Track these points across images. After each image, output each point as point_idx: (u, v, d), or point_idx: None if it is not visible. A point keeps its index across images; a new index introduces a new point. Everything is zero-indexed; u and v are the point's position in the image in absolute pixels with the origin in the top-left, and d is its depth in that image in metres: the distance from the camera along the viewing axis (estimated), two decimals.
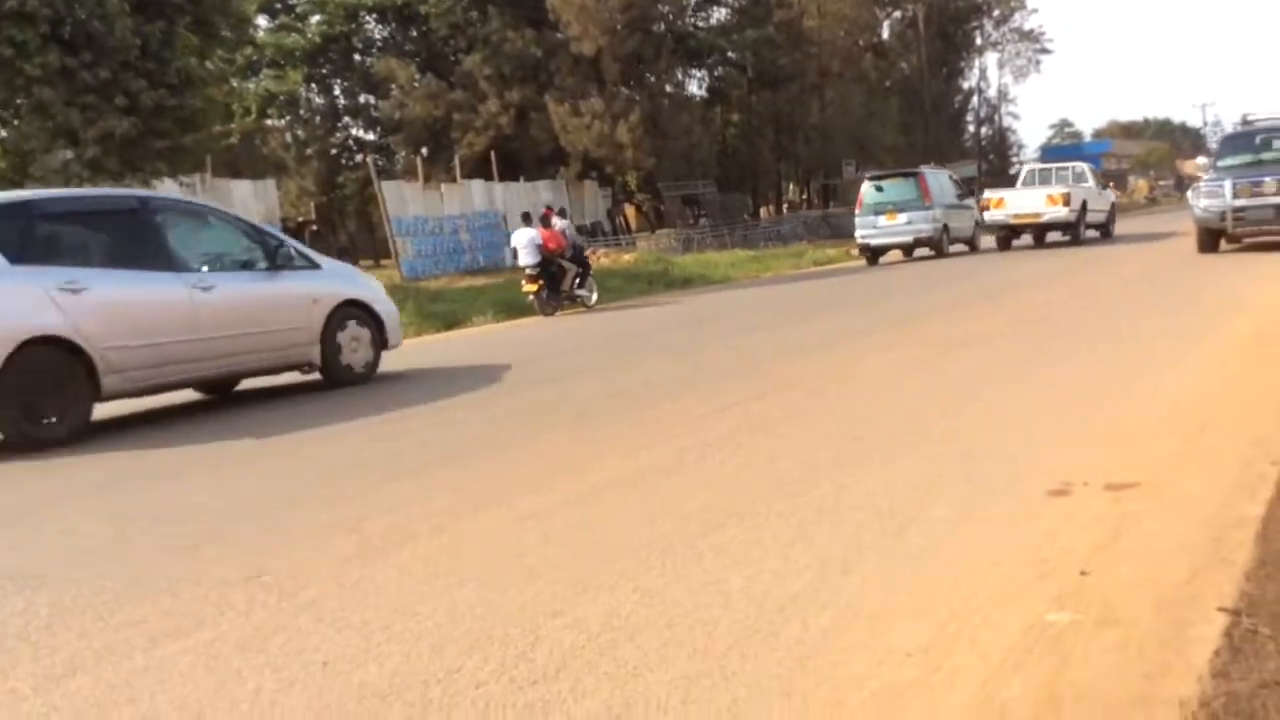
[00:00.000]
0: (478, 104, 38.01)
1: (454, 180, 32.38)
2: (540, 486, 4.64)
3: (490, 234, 32.52)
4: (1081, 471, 4.00)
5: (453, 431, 6.49)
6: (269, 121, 43.88)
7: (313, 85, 44.17)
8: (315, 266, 9.15)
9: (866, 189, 23.26)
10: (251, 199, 25.95)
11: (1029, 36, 60.42)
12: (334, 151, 44.92)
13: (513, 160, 36.23)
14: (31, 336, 6.94)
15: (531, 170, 37.06)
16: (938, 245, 22.69)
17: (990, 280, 15.18)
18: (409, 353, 11.09)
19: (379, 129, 44.20)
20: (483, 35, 38.40)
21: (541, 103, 37.20)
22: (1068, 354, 7.24)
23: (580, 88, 37.28)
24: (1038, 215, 22.27)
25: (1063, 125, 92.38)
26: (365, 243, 43.62)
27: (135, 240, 7.97)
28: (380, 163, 41.74)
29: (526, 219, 17.75)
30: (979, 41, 58.84)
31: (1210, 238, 14.79)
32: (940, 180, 23.92)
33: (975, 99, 60.45)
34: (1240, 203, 14.10)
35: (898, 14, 53.82)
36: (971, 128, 60.89)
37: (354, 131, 46.36)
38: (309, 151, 43.70)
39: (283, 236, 9.43)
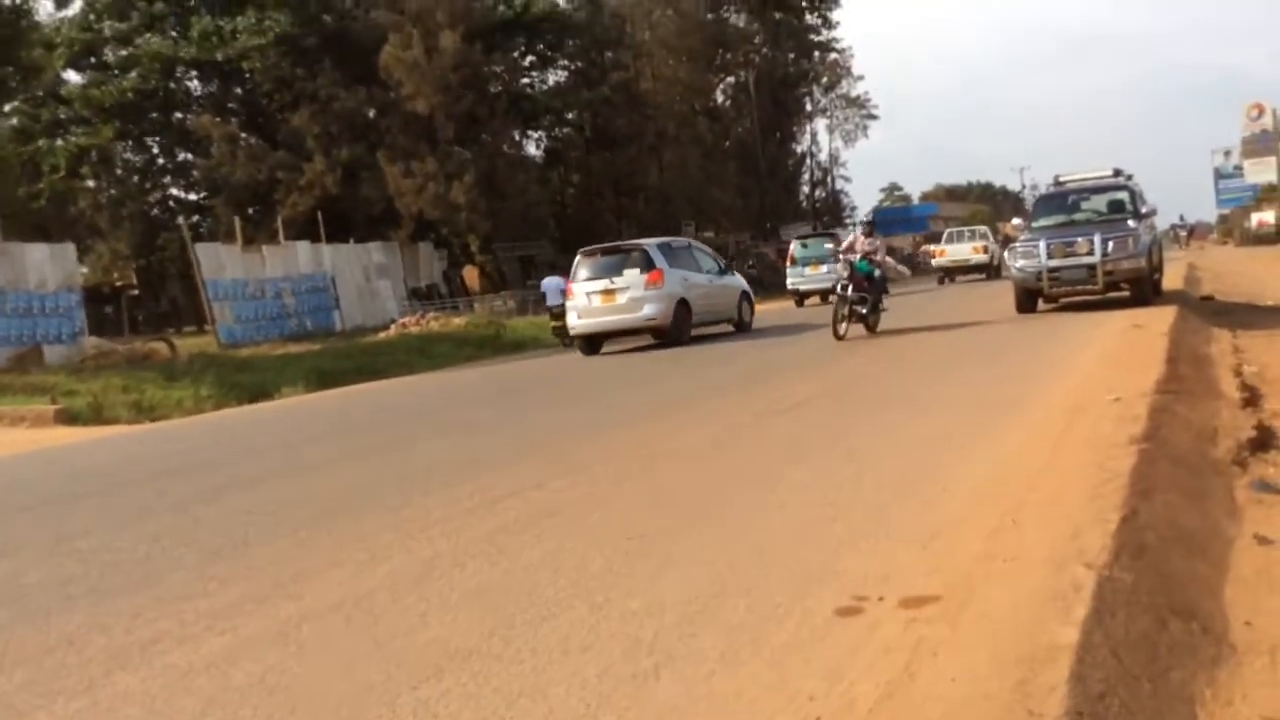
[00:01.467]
0: (303, 163, 36.55)
1: (278, 241, 30.92)
2: (232, 617, 3.76)
3: (318, 297, 31.04)
4: (876, 579, 3.40)
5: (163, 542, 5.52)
6: (85, 182, 41.27)
7: (128, 142, 41.79)
8: (734, 275, 18.90)
9: (795, 247, 29.04)
10: (48, 263, 23.82)
11: (856, 103, 62.49)
12: (153, 212, 42.57)
13: (343, 221, 34.95)
14: (679, 299, 15.92)
15: (363, 231, 35.79)
16: None
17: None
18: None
19: (199, 189, 42.15)
20: (309, 92, 37.09)
21: (373, 162, 36.07)
22: (883, 422, 6.78)
23: (413, 147, 36.30)
24: (968, 260, 33.96)
25: (892, 189, 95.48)
26: (189, 308, 41.25)
27: (692, 255, 17.35)
28: (202, 224, 39.68)
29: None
30: (809, 107, 60.44)
31: (1028, 297, 14.75)
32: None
33: (808, 162, 61.98)
34: (1055, 263, 14.07)
35: (730, 79, 54.83)
36: (806, 190, 62.35)
37: (173, 191, 44.12)
38: (124, 212, 41.24)
39: (718, 259, 19.01)
